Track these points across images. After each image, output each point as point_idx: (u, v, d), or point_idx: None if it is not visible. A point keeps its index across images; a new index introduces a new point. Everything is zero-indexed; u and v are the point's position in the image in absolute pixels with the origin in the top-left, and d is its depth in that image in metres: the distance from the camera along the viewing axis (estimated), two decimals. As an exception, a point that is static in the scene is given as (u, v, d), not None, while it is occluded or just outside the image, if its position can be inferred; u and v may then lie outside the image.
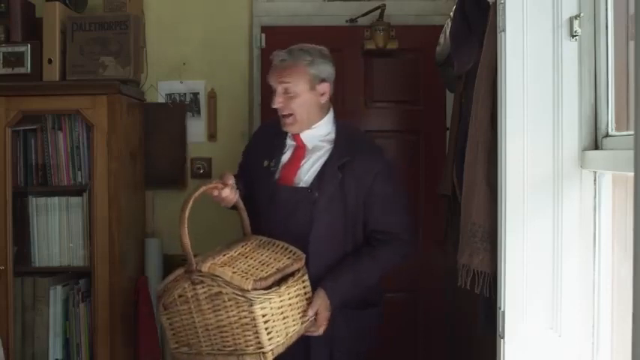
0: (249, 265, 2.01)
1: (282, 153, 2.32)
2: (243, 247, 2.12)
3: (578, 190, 1.76)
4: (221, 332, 1.98)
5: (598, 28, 1.77)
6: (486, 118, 1.94)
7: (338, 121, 2.36)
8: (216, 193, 2.16)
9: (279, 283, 2.01)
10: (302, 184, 2.24)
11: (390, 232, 2.26)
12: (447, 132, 3.20)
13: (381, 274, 2.30)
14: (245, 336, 1.95)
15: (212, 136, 3.34)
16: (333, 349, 2.24)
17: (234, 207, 2.24)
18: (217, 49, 3.36)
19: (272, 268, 2.02)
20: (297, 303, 2.07)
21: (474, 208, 1.91)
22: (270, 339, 1.94)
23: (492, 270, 1.84)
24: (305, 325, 2.12)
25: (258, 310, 1.91)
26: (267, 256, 2.09)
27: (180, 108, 3.32)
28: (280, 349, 1.99)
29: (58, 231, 2.95)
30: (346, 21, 3.42)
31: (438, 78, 3.01)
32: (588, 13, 1.77)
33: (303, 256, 2.12)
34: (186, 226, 2.01)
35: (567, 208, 1.75)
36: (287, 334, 2.02)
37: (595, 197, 1.76)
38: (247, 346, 1.95)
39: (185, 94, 3.34)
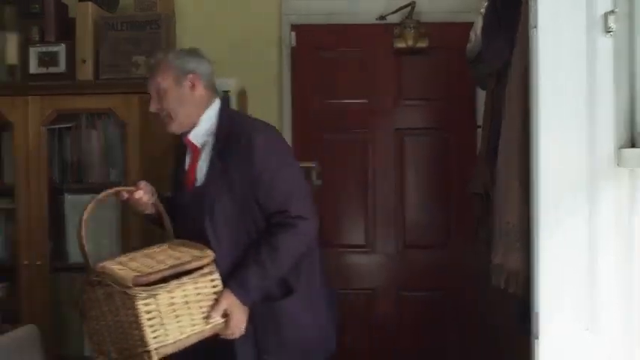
0: (142, 264, 1.93)
1: (184, 160, 2.27)
2: (153, 248, 2.06)
3: (614, 188, 1.73)
4: (119, 335, 1.90)
5: (634, 24, 1.74)
6: (519, 115, 1.93)
7: (224, 111, 2.26)
8: (125, 195, 2.16)
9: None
10: (198, 184, 2.19)
11: (281, 212, 2.10)
12: (478, 130, 3.19)
13: (290, 258, 2.10)
14: (133, 335, 1.86)
15: (242, 134, 3.36)
16: (258, 344, 2.11)
17: (161, 222, 2.19)
18: (248, 47, 3.38)
19: (166, 265, 1.93)
20: (198, 302, 1.96)
21: (507, 206, 1.89)
22: (155, 337, 1.85)
23: (526, 269, 1.82)
24: (214, 326, 2.00)
25: (141, 306, 1.82)
26: (169, 256, 2.00)
27: (211, 106, 3.34)
28: (170, 350, 1.89)
29: (92, 228, 2.98)
30: (376, 19, 3.42)
31: (468, 75, 2.99)
32: (623, 9, 1.74)
33: (210, 254, 2.01)
34: (84, 228, 1.97)
35: (603, 207, 1.73)
36: (182, 334, 1.91)
37: (632, 195, 1.73)
38: (136, 347, 1.87)
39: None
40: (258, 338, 2.12)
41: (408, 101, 3.50)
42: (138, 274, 1.86)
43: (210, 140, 2.20)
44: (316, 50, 3.48)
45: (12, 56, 3.10)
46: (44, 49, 3.06)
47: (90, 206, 2.02)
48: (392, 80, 3.48)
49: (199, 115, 2.20)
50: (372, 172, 3.49)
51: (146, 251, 2.05)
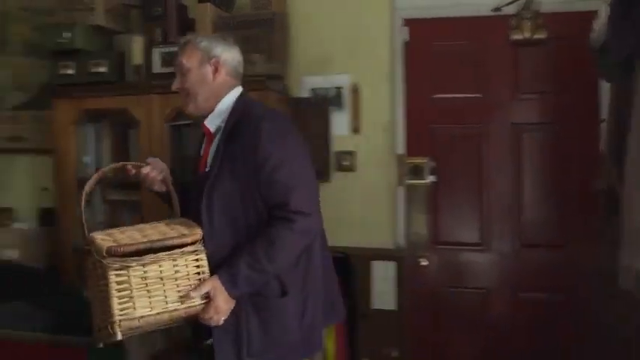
0: (128, 236, 1.93)
1: (201, 147, 2.27)
2: (149, 224, 2.05)
3: None
4: (101, 304, 1.90)
5: None
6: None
7: (241, 98, 2.20)
8: (133, 170, 2.17)
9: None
10: (207, 169, 2.17)
11: (281, 205, 2.00)
12: (602, 124, 3.04)
13: (286, 254, 2.01)
14: (106, 306, 1.86)
15: (356, 129, 3.38)
16: (239, 342, 2.03)
17: (169, 199, 2.17)
18: (360, 43, 3.39)
19: (147, 239, 1.91)
20: (175, 280, 1.92)
21: (637, 206, 1.79)
22: (121, 309, 1.84)
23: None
24: (190, 307, 1.94)
25: (112, 276, 1.83)
26: (158, 231, 1.97)
27: (324, 102, 3.38)
28: (137, 324, 1.87)
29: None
30: (491, 10, 3.32)
31: (589, 67, 2.85)
32: None
33: (197, 233, 1.98)
34: (84, 200, 1.99)
35: None
36: (152, 310, 1.88)
37: None
38: (107, 317, 1.86)
39: (329, 88, 3.40)
40: (242, 338, 2.04)
41: (525, 95, 3.37)
42: (114, 244, 1.86)
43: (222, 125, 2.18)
44: (429, 44, 3.43)
45: (137, 57, 3.27)
46: (166, 49, 3.21)
47: (93, 178, 2.04)
48: (508, 73, 3.37)
49: (217, 101, 2.19)
50: (487, 168, 3.40)
51: (140, 226, 2.04)
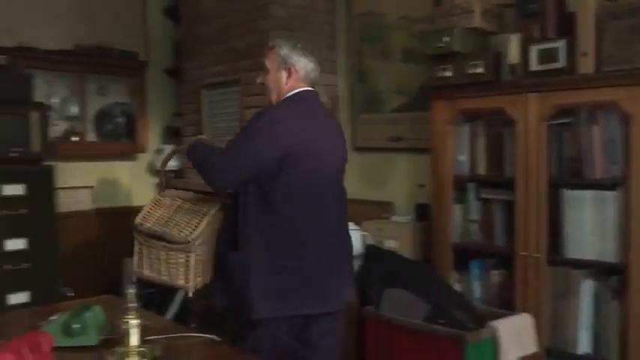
0: (159, 216, 2.82)
1: None
2: (195, 212, 2.79)
3: None
4: None
5: None
6: None
7: (288, 98, 2.62)
8: None
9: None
10: None
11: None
12: None
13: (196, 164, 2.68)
14: None
15: None
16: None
17: None
18: None
19: (159, 225, 2.79)
20: (167, 262, 2.77)
21: None
22: (135, 263, 2.91)
23: None
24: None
25: (136, 242, 2.90)
26: (178, 221, 2.77)
27: None
28: (138, 275, 2.90)
29: (589, 224, 2.93)
30: None
31: None
32: None
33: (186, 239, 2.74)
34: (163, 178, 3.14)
35: None
36: (145, 270, 2.87)
37: None
38: None
39: None
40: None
41: None
42: (137, 221, 2.84)
43: None
44: None
45: (514, 55, 3.26)
46: (544, 46, 3.12)
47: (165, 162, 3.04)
48: None
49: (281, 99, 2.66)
50: None
51: (184, 208, 2.83)
